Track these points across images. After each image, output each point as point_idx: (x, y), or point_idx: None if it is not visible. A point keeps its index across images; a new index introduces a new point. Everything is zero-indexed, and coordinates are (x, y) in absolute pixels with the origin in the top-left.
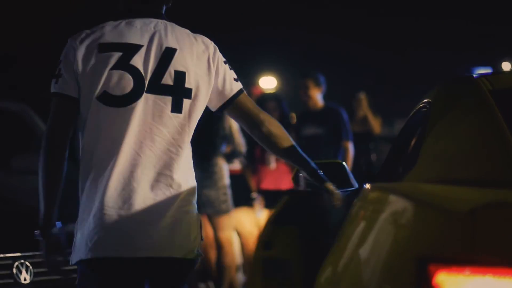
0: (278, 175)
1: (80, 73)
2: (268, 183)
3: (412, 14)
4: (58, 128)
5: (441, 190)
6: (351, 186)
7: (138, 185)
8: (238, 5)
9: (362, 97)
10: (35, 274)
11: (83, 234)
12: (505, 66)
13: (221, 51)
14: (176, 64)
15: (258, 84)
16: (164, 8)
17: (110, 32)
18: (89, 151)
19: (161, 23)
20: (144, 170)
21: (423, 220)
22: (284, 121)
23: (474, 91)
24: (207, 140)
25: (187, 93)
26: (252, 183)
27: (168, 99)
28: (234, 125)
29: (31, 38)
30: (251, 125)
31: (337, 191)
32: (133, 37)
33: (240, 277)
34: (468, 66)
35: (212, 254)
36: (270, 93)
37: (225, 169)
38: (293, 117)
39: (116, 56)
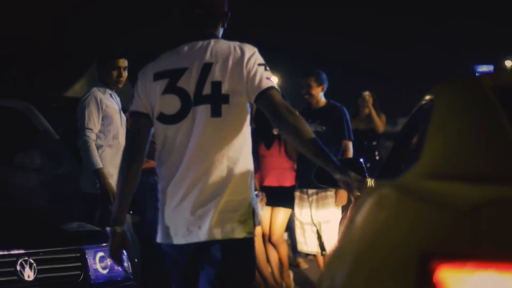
0: (281, 172)
1: (145, 99)
2: (271, 180)
3: (415, 13)
4: (138, 136)
5: (444, 187)
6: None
7: (194, 183)
8: (241, 5)
9: (367, 94)
10: (39, 271)
11: (160, 222)
12: (508, 63)
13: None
14: (213, 76)
15: None
16: (222, 30)
17: (162, 62)
18: (159, 159)
19: (205, 43)
20: (196, 169)
21: (426, 216)
22: None
23: (477, 88)
24: None
25: (225, 99)
26: (255, 180)
27: (208, 106)
28: None
29: (35, 38)
30: (277, 117)
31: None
32: (179, 62)
33: None
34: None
35: None
36: None
37: None
38: None
39: (164, 82)
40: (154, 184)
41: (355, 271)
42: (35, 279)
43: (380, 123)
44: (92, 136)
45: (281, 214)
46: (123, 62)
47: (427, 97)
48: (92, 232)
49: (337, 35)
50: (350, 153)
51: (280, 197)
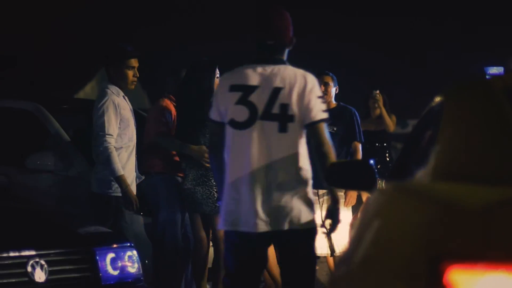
0: None
1: (220, 106)
2: None
3: (424, 15)
4: (216, 140)
5: (454, 188)
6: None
7: (266, 183)
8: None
9: (378, 93)
10: (50, 273)
11: (224, 211)
12: None
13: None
14: (282, 98)
15: None
16: (287, 51)
17: (238, 76)
18: (228, 157)
19: (276, 68)
20: (261, 169)
21: (436, 218)
22: None
23: (487, 90)
24: (199, 140)
25: (291, 118)
26: None
27: (276, 123)
28: None
29: (45, 40)
30: (316, 145)
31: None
32: (252, 80)
33: None
34: (480, 66)
35: (205, 254)
36: None
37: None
38: None
39: (238, 94)
40: (167, 186)
41: (365, 272)
42: (46, 280)
43: (390, 123)
44: (112, 142)
45: None
46: (136, 62)
47: (438, 99)
48: (103, 233)
49: (339, 37)
50: (360, 155)
51: None
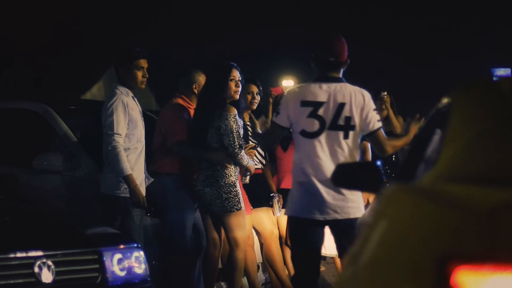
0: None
1: (291, 117)
2: (288, 183)
3: (430, 17)
4: (272, 139)
5: (461, 189)
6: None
7: (327, 178)
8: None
9: (385, 95)
10: (57, 273)
11: (294, 202)
12: None
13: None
14: (345, 112)
15: (279, 85)
16: (342, 70)
17: (307, 92)
18: (300, 160)
19: (338, 86)
20: (328, 169)
21: (444, 219)
22: None
23: (495, 91)
24: (213, 145)
25: (352, 127)
26: (272, 182)
27: (341, 132)
28: (230, 125)
29: (52, 41)
30: (379, 149)
31: None
32: (320, 97)
33: (260, 277)
34: (487, 67)
35: (217, 255)
36: None
37: (229, 167)
38: None
39: (309, 109)
40: (176, 187)
41: (373, 273)
42: (53, 281)
43: (397, 124)
44: (121, 141)
45: None
46: (146, 63)
47: (445, 100)
48: (110, 234)
49: (354, 39)
50: (369, 154)
51: None
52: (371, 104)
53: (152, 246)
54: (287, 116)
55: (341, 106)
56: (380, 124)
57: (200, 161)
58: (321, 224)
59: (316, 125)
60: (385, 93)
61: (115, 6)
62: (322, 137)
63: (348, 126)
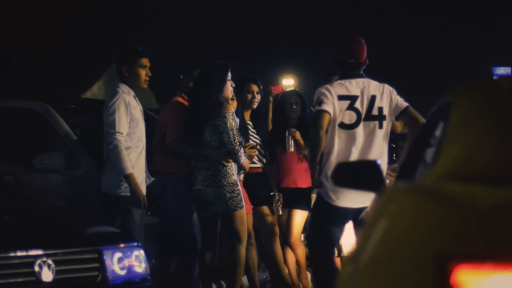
0: (297, 174)
1: (335, 107)
2: (288, 182)
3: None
4: (320, 127)
5: (462, 188)
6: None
7: None
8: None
9: None
10: (57, 272)
11: (328, 189)
12: None
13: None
14: (377, 103)
15: (279, 83)
16: (362, 69)
17: (343, 88)
18: (337, 150)
19: (365, 81)
20: (365, 157)
21: (444, 218)
22: (304, 116)
23: (495, 90)
24: (208, 141)
25: (385, 117)
26: (273, 182)
27: (376, 122)
28: (229, 122)
29: (52, 40)
30: (414, 124)
31: None
32: (353, 91)
33: (260, 276)
34: (487, 66)
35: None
36: (293, 90)
37: (231, 166)
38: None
39: (347, 103)
40: (176, 186)
41: (373, 272)
42: (53, 280)
43: (398, 124)
44: (122, 140)
45: (298, 216)
46: (148, 62)
47: (445, 99)
48: (110, 233)
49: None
50: None
51: (297, 199)
52: (394, 92)
53: (152, 245)
54: (333, 106)
55: (373, 98)
56: (406, 104)
57: (198, 160)
58: (352, 214)
59: (354, 117)
60: None
61: (116, 5)
62: (360, 128)
63: (381, 116)
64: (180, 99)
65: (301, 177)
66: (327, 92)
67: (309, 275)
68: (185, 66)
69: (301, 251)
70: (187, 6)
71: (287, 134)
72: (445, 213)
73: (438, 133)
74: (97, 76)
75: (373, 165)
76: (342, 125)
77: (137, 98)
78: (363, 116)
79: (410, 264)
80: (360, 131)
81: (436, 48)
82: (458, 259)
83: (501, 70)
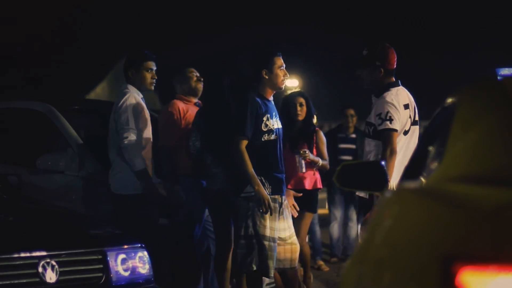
0: (302, 176)
1: (399, 122)
2: (293, 183)
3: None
4: (395, 149)
5: (466, 189)
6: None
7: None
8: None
9: None
10: (61, 273)
11: None
12: None
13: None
14: (416, 109)
15: None
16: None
17: (402, 96)
18: (403, 159)
19: (405, 89)
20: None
21: (448, 219)
22: (309, 117)
23: (499, 91)
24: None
25: (419, 123)
26: None
27: (417, 127)
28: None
29: (56, 41)
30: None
31: None
32: (407, 99)
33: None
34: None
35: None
36: (298, 91)
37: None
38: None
39: (408, 111)
40: (188, 188)
41: (377, 273)
42: (57, 281)
43: None
44: (135, 136)
45: (305, 218)
46: (154, 65)
47: (450, 100)
48: (114, 234)
49: (350, 36)
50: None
51: (303, 200)
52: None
53: (161, 245)
54: (400, 118)
55: (414, 104)
56: None
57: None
58: None
59: (409, 123)
60: None
61: (117, 5)
62: (411, 133)
63: (419, 120)
64: (177, 102)
65: (306, 179)
66: (396, 104)
67: (312, 276)
68: (179, 68)
69: (306, 252)
70: (188, 7)
71: (297, 158)
72: (450, 215)
73: (442, 134)
74: (101, 77)
75: (378, 166)
76: (405, 132)
77: (144, 101)
78: (411, 121)
79: (414, 265)
80: (411, 136)
81: (439, 48)
82: (462, 261)
83: (506, 71)
